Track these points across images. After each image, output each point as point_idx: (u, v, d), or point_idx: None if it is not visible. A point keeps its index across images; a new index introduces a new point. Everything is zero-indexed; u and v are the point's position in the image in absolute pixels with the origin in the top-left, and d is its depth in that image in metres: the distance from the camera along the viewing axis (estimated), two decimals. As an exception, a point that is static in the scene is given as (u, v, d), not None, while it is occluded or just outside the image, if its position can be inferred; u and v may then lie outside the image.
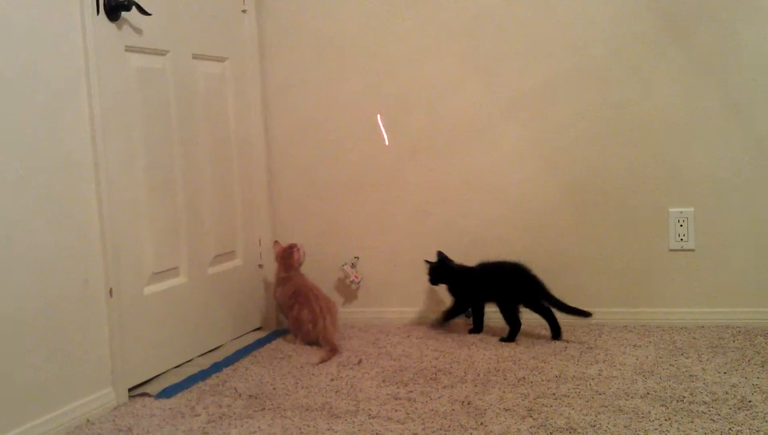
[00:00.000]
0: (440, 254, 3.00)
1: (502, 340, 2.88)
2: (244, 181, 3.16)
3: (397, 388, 2.42)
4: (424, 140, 3.17)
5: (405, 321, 3.21)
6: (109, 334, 2.37)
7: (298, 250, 3.09)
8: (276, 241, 3.15)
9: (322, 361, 2.73)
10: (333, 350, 2.80)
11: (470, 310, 3.08)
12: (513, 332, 2.88)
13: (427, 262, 3.02)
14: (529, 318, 2.97)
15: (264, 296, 3.26)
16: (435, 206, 3.18)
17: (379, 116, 3.10)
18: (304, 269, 3.11)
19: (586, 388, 2.34)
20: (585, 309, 2.84)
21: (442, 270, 3.00)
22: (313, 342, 2.92)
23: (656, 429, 2.01)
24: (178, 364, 2.72)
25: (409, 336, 3.01)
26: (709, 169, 2.94)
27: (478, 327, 3.02)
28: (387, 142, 3.12)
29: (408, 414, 2.19)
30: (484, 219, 3.14)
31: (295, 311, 2.98)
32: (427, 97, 3.16)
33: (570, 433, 2.01)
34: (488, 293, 2.95)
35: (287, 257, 3.08)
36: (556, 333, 2.87)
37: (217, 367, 2.71)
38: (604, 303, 3.04)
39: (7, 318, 2.04)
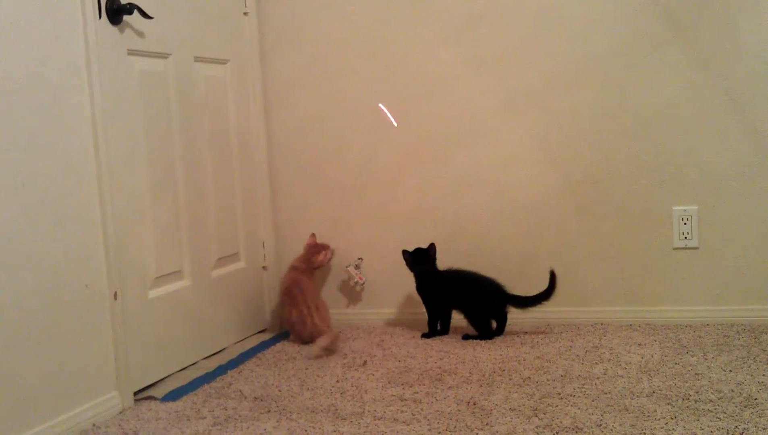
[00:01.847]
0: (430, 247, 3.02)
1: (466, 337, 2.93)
2: (246, 183, 3.16)
3: (403, 389, 2.41)
4: (426, 137, 3.17)
5: (409, 322, 3.20)
6: (114, 338, 2.37)
7: (326, 253, 3.15)
8: (313, 234, 3.18)
9: (326, 350, 2.79)
10: (330, 343, 2.83)
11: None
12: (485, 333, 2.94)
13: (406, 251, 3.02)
14: (529, 317, 2.98)
15: (268, 298, 3.26)
16: (438, 204, 3.18)
17: (381, 105, 3.12)
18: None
19: (592, 387, 2.33)
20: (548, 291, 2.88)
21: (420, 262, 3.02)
22: (306, 341, 2.95)
23: (662, 428, 2.01)
24: (183, 367, 2.72)
25: (413, 337, 3.00)
26: (712, 167, 2.93)
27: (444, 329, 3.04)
28: (396, 124, 3.12)
29: (413, 415, 2.19)
30: (486, 217, 3.13)
31: (286, 311, 3.05)
32: (428, 95, 3.15)
33: (576, 432, 2.01)
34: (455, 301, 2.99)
35: (312, 253, 3.11)
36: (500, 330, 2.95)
37: (222, 370, 2.71)
38: (608, 302, 3.04)
39: (12, 322, 2.04)
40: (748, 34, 2.86)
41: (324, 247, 3.16)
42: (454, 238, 3.13)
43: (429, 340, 2.94)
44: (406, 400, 2.32)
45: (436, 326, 3.02)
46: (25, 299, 2.08)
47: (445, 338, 2.96)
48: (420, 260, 3.00)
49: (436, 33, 3.12)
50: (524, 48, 3.05)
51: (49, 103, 2.18)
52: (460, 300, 2.96)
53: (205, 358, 2.83)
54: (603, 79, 2.99)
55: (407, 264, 3.02)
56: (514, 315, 2.95)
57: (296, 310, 2.99)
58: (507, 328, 2.95)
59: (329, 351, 2.81)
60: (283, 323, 3.17)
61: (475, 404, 2.24)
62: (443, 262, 3.02)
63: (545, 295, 2.87)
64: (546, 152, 3.06)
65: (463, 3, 3.08)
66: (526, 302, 2.89)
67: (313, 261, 3.12)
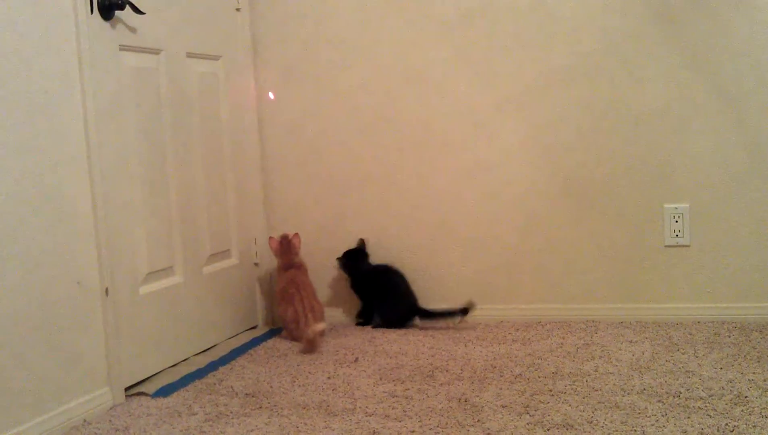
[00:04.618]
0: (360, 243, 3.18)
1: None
2: (239, 179, 3.15)
3: (394, 385, 2.42)
4: (419, 136, 3.16)
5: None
6: (105, 334, 2.37)
7: (294, 239, 3.11)
8: (270, 237, 3.16)
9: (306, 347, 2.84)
10: (310, 345, 2.85)
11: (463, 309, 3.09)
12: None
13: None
14: (520, 314, 2.98)
15: (259, 295, 3.25)
16: (430, 202, 3.17)
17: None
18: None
19: (583, 384, 2.34)
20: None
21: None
22: (297, 340, 2.95)
23: (653, 425, 2.02)
24: (174, 363, 2.72)
25: (405, 333, 3.00)
26: (703, 165, 2.94)
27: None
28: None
29: (405, 411, 2.19)
30: (478, 215, 3.13)
31: (281, 309, 3.04)
32: (422, 93, 3.15)
33: (567, 429, 2.02)
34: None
35: (287, 248, 3.09)
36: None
37: (213, 366, 2.71)
38: (600, 299, 3.05)
39: (2, 319, 2.03)
40: (739, 32, 2.87)
41: (285, 238, 3.10)
42: (445, 235, 3.13)
43: (420, 337, 2.94)
44: (397, 396, 2.32)
45: (372, 314, 3.15)
46: (15, 296, 2.07)
47: (436, 335, 2.96)
48: (354, 260, 3.15)
49: (430, 31, 3.11)
50: (515, 47, 3.04)
51: (42, 99, 2.17)
52: (378, 297, 3.12)
53: (196, 355, 2.83)
54: (594, 78, 2.99)
55: (342, 268, 3.17)
56: (506, 312, 2.96)
57: (291, 308, 2.98)
58: (498, 325, 2.99)
59: (308, 349, 2.83)
60: (277, 320, 3.17)
61: (466, 401, 2.25)
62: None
63: (452, 313, 2.98)
64: (537, 150, 3.06)
65: (457, 0, 3.08)
66: (433, 316, 3.03)
67: (293, 254, 3.09)
